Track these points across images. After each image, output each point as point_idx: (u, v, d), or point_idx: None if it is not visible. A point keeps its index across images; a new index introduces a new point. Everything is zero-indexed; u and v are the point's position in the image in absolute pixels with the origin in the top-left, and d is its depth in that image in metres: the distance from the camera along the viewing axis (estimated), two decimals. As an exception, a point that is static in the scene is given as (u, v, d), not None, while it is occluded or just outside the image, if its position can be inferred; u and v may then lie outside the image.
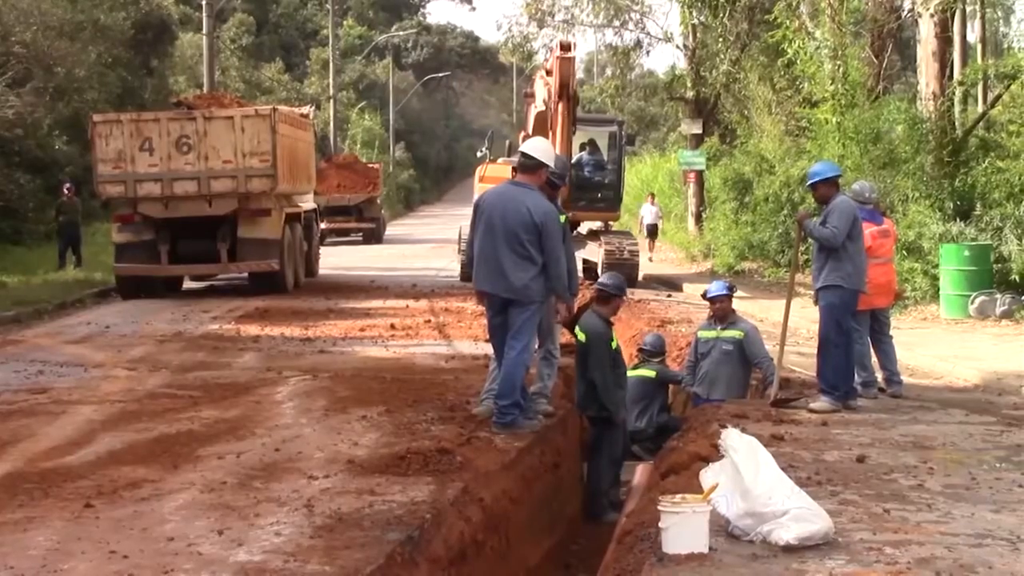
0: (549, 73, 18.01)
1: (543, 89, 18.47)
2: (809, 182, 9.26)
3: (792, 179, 23.59)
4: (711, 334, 10.77)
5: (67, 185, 24.22)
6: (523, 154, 8.28)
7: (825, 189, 9.04)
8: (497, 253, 7.92)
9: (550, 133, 17.63)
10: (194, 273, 20.03)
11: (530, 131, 20.33)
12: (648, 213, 30.08)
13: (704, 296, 11.28)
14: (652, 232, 30.09)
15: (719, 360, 10.58)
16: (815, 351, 9.55)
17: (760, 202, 25.20)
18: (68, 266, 22.61)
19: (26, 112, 26.44)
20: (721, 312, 10.84)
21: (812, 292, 9.47)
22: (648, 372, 11.63)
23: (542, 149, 8.31)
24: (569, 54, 17.33)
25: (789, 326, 9.75)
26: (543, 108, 18.38)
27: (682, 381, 11.36)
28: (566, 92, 17.10)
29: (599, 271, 18.90)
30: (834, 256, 8.87)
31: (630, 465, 10.13)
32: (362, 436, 7.87)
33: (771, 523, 5.17)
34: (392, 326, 14.49)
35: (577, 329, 10.02)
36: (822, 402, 8.89)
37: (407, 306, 16.91)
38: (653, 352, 11.89)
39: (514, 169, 8.73)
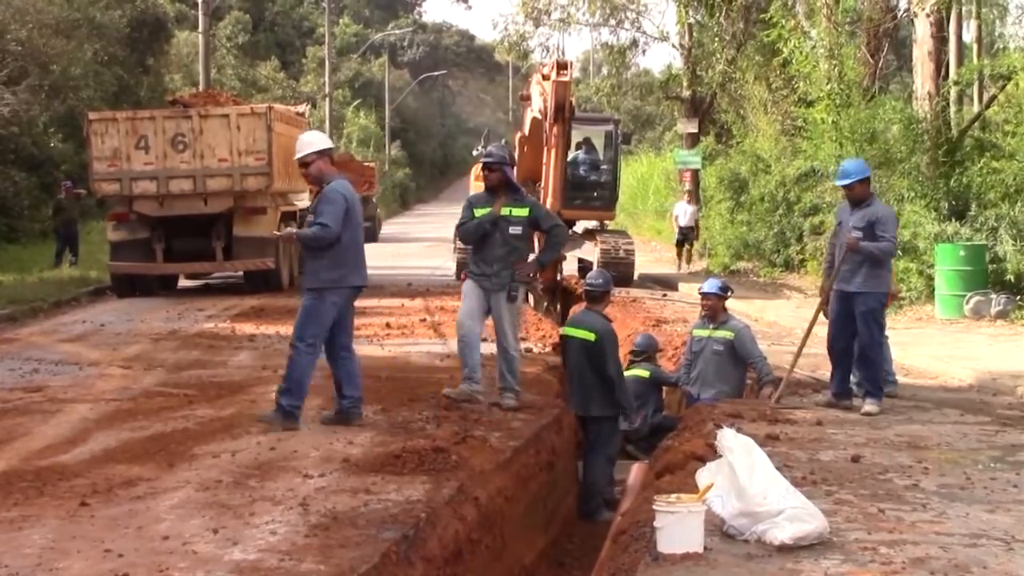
0: (546, 78, 17.96)
1: (539, 98, 18.45)
2: (847, 181, 9.00)
3: (788, 179, 23.60)
4: (704, 333, 10.76)
5: (66, 183, 24.18)
6: (326, 151, 8.26)
7: (861, 188, 8.95)
8: (360, 245, 8.24)
9: (545, 150, 17.54)
10: (189, 271, 20.01)
11: (526, 132, 20.31)
12: (683, 213, 25.75)
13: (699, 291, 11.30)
14: (687, 236, 25.83)
15: (709, 360, 10.57)
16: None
17: (756, 202, 25.21)
18: (64, 264, 22.59)
19: (22, 110, 26.40)
20: (710, 310, 10.81)
21: (819, 293, 9.45)
22: (642, 372, 11.63)
23: (304, 142, 8.29)
24: (565, 76, 17.22)
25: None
26: (538, 115, 18.38)
27: (677, 382, 11.35)
28: (562, 115, 17.00)
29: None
30: (877, 261, 8.86)
31: (625, 464, 10.12)
32: (357, 435, 7.87)
33: (766, 523, 5.18)
34: (387, 325, 14.48)
35: (575, 329, 10.04)
36: (872, 404, 8.92)
37: (402, 305, 16.91)
38: (642, 352, 11.91)
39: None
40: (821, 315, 9.46)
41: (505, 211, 9.05)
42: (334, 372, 8.37)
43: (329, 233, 7.91)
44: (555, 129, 17.04)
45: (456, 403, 8.88)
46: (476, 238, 9.19)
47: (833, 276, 9.00)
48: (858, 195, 8.98)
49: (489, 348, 9.51)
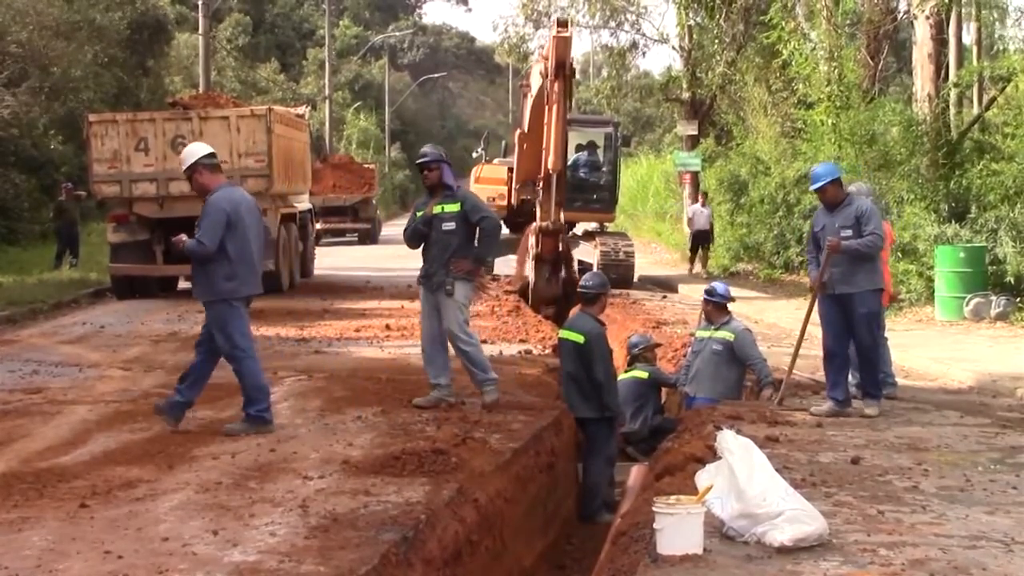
0: (547, 59, 18.06)
1: (539, 77, 18.51)
2: (817, 185, 8.92)
3: (787, 180, 23.63)
4: (705, 334, 10.77)
5: (67, 185, 24.18)
6: (201, 161, 8.35)
7: (835, 190, 8.88)
8: (255, 255, 8.21)
9: (546, 110, 17.63)
10: (189, 273, 19.96)
11: (526, 124, 20.32)
12: (699, 216, 24.79)
13: None
14: (702, 239, 24.89)
15: (707, 360, 10.57)
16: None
17: (756, 204, 25.23)
18: (64, 266, 22.60)
19: (22, 112, 26.42)
20: (705, 313, 10.86)
21: (810, 289, 9.40)
22: (641, 373, 11.64)
23: (185, 155, 8.50)
24: (566, 32, 17.34)
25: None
26: (540, 85, 18.44)
27: (676, 382, 11.36)
28: (562, 72, 17.13)
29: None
30: (868, 257, 8.81)
31: (625, 466, 10.13)
32: (357, 437, 7.87)
33: (765, 524, 5.18)
34: (387, 327, 14.49)
35: (567, 331, 10.07)
36: (872, 406, 8.87)
37: (402, 306, 16.90)
38: (635, 347, 11.91)
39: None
40: (816, 315, 9.37)
41: (438, 209, 9.07)
42: (193, 363, 8.33)
43: (204, 250, 7.96)
44: (556, 85, 17.12)
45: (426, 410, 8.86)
46: (417, 241, 9.23)
47: (819, 278, 8.89)
48: (832, 197, 8.91)
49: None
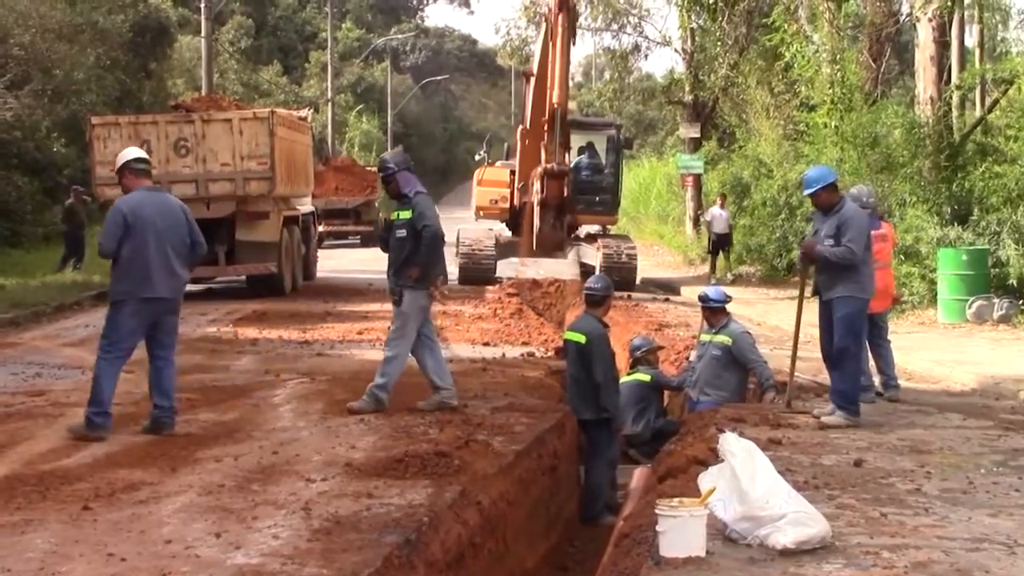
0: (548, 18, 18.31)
1: (544, 22, 18.69)
2: (811, 190, 8.83)
3: (790, 183, 23.62)
4: (707, 338, 10.78)
5: (75, 188, 24.19)
6: (128, 164, 8.33)
7: (827, 195, 8.76)
8: (158, 260, 8.13)
9: (550, 46, 17.69)
10: (191, 276, 19.96)
11: (528, 113, 20.35)
12: (718, 219, 23.77)
13: None
14: (722, 243, 23.91)
15: (707, 364, 10.57)
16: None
17: (758, 206, 25.21)
18: (67, 268, 22.60)
19: (24, 114, 26.45)
20: (705, 319, 10.88)
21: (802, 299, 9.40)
22: (643, 376, 11.63)
23: (118, 156, 8.54)
24: None
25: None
26: (544, 32, 18.57)
27: (680, 385, 11.35)
28: (566, 4, 17.24)
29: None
30: (848, 266, 8.74)
31: (627, 468, 10.13)
32: (360, 439, 7.87)
33: (768, 527, 5.18)
34: (389, 329, 14.46)
35: (570, 332, 10.09)
36: (836, 417, 8.60)
37: (405, 309, 16.90)
38: (638, 350, 11.90)
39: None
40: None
41: (394, 216, 9.22)
42: (149, 376, 8.41)
43: (102, 249, 8.07)
44: (560, 18, 17.25)
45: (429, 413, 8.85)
46: (386, 248, 9.37)
47: (801, 280, 8.85)
48: (824, 202, 8.77)
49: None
